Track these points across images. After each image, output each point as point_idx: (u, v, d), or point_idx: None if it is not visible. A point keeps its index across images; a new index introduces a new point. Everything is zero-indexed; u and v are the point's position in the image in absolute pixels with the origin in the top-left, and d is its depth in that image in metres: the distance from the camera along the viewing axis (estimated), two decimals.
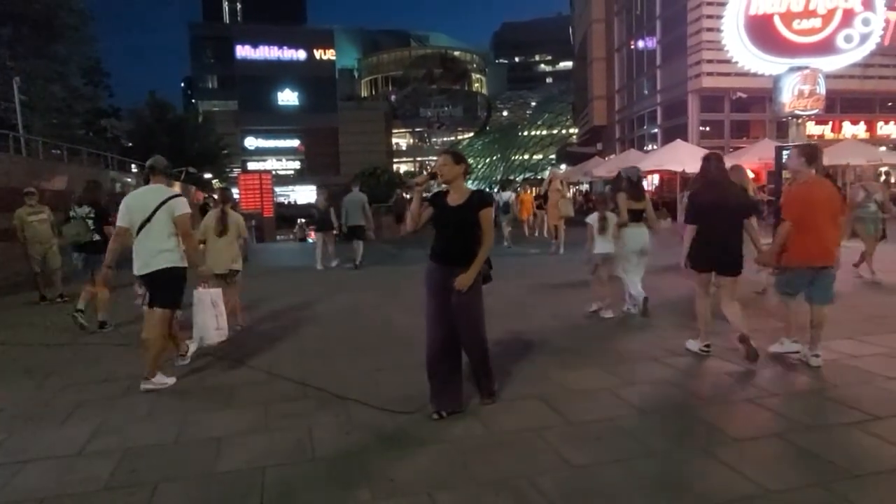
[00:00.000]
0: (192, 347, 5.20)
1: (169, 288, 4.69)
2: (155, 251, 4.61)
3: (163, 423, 3.85)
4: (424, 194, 3.86)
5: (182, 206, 4.74)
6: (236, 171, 45.86)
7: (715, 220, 4.76)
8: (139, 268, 4.68)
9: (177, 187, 24.78)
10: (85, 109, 25.40)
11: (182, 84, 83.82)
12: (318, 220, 12.40)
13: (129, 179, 19.11)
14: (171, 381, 4.66)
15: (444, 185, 3.82)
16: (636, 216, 6.53)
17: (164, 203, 4.65)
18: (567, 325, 6.31)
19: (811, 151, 4.87)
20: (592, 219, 6.64)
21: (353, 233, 12.22)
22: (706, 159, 5.05)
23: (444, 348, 3.79)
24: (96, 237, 6.82)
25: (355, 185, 13.66)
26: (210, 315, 4.94)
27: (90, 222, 6.86)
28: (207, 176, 35.44)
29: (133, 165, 22.18)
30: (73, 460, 3.36)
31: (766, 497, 2.75)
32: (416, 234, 3.87)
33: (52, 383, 4.80)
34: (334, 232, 12.27)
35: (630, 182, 6.70)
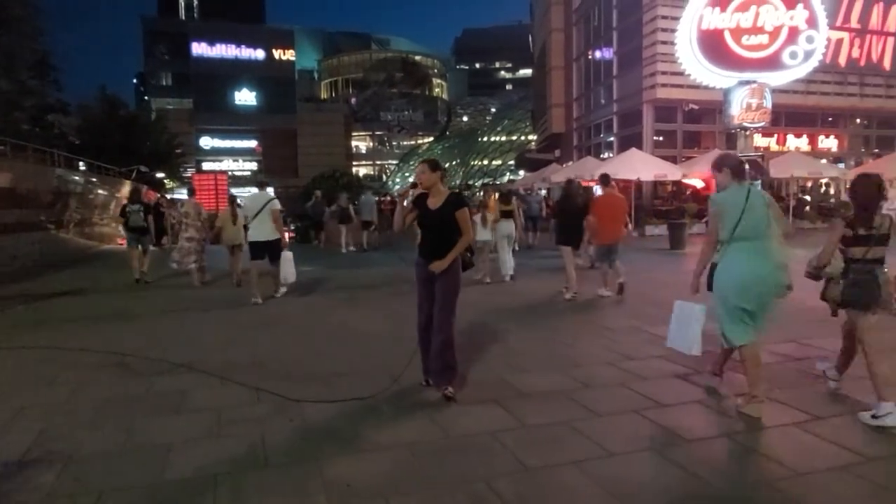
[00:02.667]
0: (283, 290, 8.72)
1: (274, 249, 8.29)
2: (267, 230, 8.18)
3: (109, 430, 3.71)
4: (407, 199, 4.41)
5: (276, 205, 8.32)
6: (190, 171, 44.69)
7: (570, 215, 8.47)
8: (252, 237, 8.35)
9: (127, 186, 23.97)
10: (31, 104, 24.29)
11: (134, 80, 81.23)
12: (340, 214, 15.97)
13: (77, 178, 18.36)
14: (285, 289, 8.71)
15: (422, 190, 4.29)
16: (507, 214, 9.89)
17: (267, 203, 8.24)
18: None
19: (604, 178, 8.95)
20: (477, 218, 9.20)
21: (364, 225, 16.21)
22: (568, 182, 9.12)
23: (430, 328, 4.24)
24: (144, 224, 10.61)
25: (368, 189, 17.91)
26: (290, 266, 8.52)
27: (141, 214, 10.57)
28: (160, 175, 34.40)
29: (81, 163, 21.27)
30: (13, 468, 3.20)
31: (718, 497, 2.84)
32: (401, 233, 4.48)
33: None
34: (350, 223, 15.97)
35: (502, 193, 10.75)
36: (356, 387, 4.38)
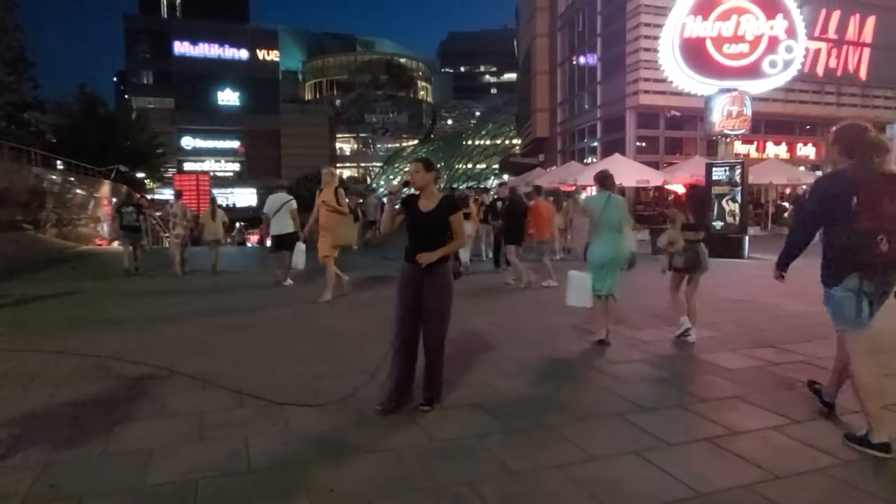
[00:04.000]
0: (289, 280, 10.08)
1: (291, 242, 9.59)
2: (286, 225, 9.74)
3: (88, 434, 3.65)
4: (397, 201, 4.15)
5: (293, 205, 9.85)
6: (171, 172, 44.19)
7: (514, 219, 10.01)
8: (274, 231, 9.92)
9: (106, 186, 23.62)
10: (6, 101, 23.82)
11: (115, 78, 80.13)
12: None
13: (55, 177, 18.06)
14: (291, 281, 9.99)
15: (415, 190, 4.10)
16: (464, 216, 10.58)
17: (285, 203, 9.80)
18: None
19: (537, 189, 11.52)
20: None
21: (369, 224, 17.57)
22: (511, 190, 11.12)
23: (407, 345, 4.00)
24: (137, 224, 12.31)
25: (371, 189, 20.92)
26: (301, 255, 9.46)
27: (135, 215, 12.26)
28: (140, 175, 34.00)
29: (59, 162, 20.91)
30: None
31: (697, 499, 2.87)
32: (390, 236, 4.17)
33: None
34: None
35: (460, 196, 12.08)
36: (340, 391, 4.35)
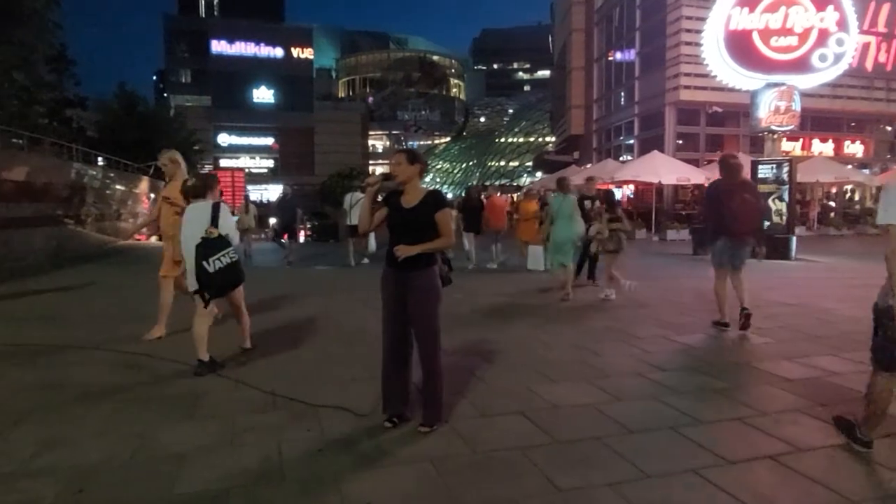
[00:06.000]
0: (365, 260, 12.50)
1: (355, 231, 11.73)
2: (355, 216, 10.73)
3: (118, 437, 3.54)
4: (380, 195, 3.74)
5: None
6: (208, 168, 44.91)
7: (472, 211, 11.96)
8: (352, 221, 11.70)
9: (145, 182, 24.06)
10: (48, 98, 24.34)
11: (154, 77, 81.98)
12: None
13: (94, 172, 18.41)
14: (367, 261, 12.29)
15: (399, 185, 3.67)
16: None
17: (361, 199, 10.16)
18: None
19: (478, 188, 14.29)
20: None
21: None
22: (470, 187, 14.42)
23: (398, 356, 3.69)
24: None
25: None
26: (372, 240, 12.48)
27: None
28: None
29: (100, 158, 21.33)
30: (14, 478, 3.04)
31: None
32: (366, 235, 3.90)
33: None
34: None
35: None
36: (374, 394, 4.18)
